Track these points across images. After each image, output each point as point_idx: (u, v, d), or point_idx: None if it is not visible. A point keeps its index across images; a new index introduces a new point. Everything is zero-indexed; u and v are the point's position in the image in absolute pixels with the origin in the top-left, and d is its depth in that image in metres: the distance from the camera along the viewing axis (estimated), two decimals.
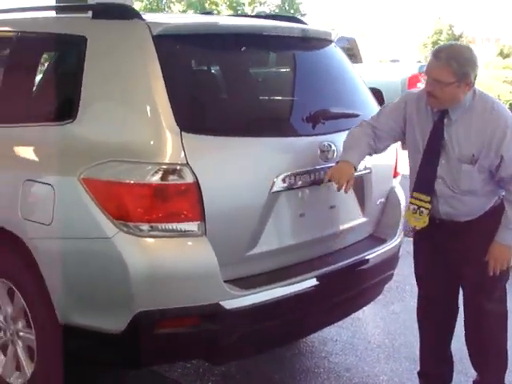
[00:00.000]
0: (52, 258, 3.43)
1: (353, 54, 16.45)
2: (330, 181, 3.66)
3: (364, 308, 5.33)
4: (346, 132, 3.93)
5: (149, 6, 45.83)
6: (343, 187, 3.63)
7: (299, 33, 4.06)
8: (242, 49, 3.87)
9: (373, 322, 5.30)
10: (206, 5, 46.75)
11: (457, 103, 3.51)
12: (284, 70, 4.57)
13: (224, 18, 4.72)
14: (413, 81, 13.20)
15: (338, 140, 3.83)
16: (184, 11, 44.37)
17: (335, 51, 4.37)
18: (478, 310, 3.79)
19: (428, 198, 3.63)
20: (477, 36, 47.59)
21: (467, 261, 3.72)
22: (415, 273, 4.04)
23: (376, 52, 37.78)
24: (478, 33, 48.24)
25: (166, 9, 46.06)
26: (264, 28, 4.00)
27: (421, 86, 13.17)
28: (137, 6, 44.90)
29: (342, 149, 3.75)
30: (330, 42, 4.34)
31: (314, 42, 4.25)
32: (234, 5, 48.11)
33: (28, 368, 3.71)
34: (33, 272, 3.47)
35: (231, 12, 45.06)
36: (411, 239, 4.06)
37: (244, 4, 48.97)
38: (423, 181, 3.67)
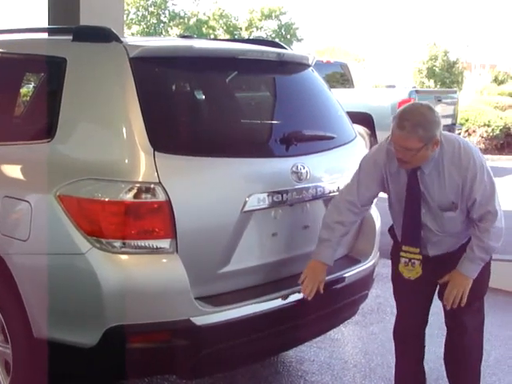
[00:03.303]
0: (28, 273, 3.51)
1: (346, 79, 16.65)
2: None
3: (343, 329, 5.42)
4: (320, 154, 4.05)
5: (146, 29, 46.17)
6: (309, 295, 3.73)
7: (275, 56, 4.14)
8: (217, 72, 3.99)
9: (351, 343, 5.34)
10: (204, 29, 47.12)
11: (428, 158, 3.56)
12: (259, 92, 4.66)
13: (200, 42, 4.81)
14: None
15: (311, 161, 3.93)
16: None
17: (312, 75, 4.47)
18: (458, 324, 3.86)
19: (417, 250, 3.69)
20: (472, 62, 47.79)
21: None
22: (395, 291, 4.07)
23: (374, 77, 37.88)
24: (474, 59, 48.42)
25: (164, 33, 46.37)
26: (239, 51, 4.08)
27: None
28: (134, 29, 45.20)
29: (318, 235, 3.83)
30: (308, 66, 4.43)
31: (290, 65, 4.34)
32: (231, 29, 48.47)
33: (4, 382, 3.76)
34: (10, 287, 3.53)
35: (228, 36, 45.38)
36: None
37: (241, 29, 49.32)
38: (409, 233, 3.74)
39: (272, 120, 4.27)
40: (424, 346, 4.06)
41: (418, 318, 3.98)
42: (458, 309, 3.75)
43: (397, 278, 3.93)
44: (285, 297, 3.74)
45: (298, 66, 4.40)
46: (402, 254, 3.74)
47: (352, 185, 3.83)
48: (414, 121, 3.43)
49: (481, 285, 3.81)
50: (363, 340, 5.40)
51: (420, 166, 3.59)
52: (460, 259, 3.72)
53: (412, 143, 3.43)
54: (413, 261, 3.71)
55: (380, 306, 6.03)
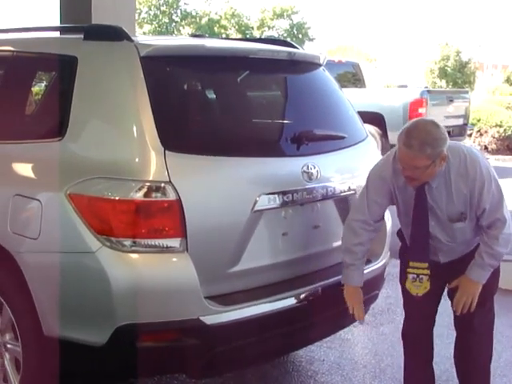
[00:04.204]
0: (38, 271, 3.51)
1: (357, 79, 16.62)
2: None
3: (353, 329, 5.40)
4: (331, 153, 4.06)
5: (158, 28, 46.22)
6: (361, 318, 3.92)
7: (286, 56, 4.13)
8: (228, 71, 3.99)
9: (361, 343, 5.33)
10: (215, 28, 47.14)
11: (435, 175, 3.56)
12: (270, 91, 4.65)
13: (212, 41, 4.81)
14: (414, 106, 13.30)
15: (322, 161, 3.92)
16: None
17: (323, 74, 4.46)
18: (468, 325, 3.85)
19: (425, 265, 3.67)
20: (484, 62, 47.65)
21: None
22: (403, 293, 4.00)
23: (385, 77, 37.82)
24: (486, 59, 48.25)
25: (175, 32, 46.42)
26: (250, 51, 4.09)
27: (422, 111, 13.25)
28: (146, 28, 45.26)
29: (345, 260, 3.86)
30: (319, 65, 4.43)
31: (301, 65, 4.33)
32: (243, 29, 48.46)
33: (14, 380, 3.76)
34: (20, 285, 3.54)
35: (240, 36, 45.36)
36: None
37: (253, 28, 49.31)
38: (418, 249, 3.72)
39: (283, 119, 4.27)
40: (432, 347, 4.05)
41: (426, 319, 3.96)
42: (468, 310, 3.75)
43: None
44: (295, 296, 3.73)
45: (309, 65, 4.39)
46: (409, 270, 3.72)
47: (362, 203, 3.82)
48: (421, 139, 3.41)
49: (491, 285, 3.80)
50: (373, 340, 5.38)
51: (428, 181, 3.58)
52: (469, 263, 3.71)
53: (420, 161, 3.42)
54: (421, 276, 3.68)
55: (390, 306, 6.01)
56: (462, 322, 3.90)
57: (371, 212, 3.78)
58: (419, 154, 3.40)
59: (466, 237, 3.73)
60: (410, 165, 3.46)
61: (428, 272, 3.66)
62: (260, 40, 5.03)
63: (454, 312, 3.85)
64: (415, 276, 3.70)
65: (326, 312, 3.95)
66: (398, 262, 4.00)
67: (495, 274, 3.81)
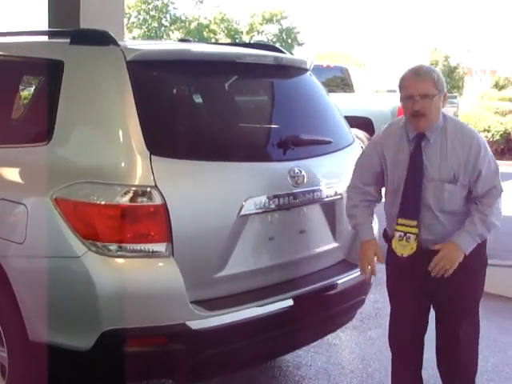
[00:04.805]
0: (24, 276, 3.51)
1: (346, 84, 16.64)
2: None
3: (340, 334, 5.40)
4: (317, 158, 4.07)
5: (147, 33, 46.23)
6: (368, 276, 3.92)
7: (273, 61, 4.13)
8: (215, 75, 3.98)
9: (348, 348, 5.33)
10: (205, 33, 47.20)
11: (435, 124, 3.61)
12: (257, 96, 4.66)
13: (198, 45, 4.81)
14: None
15: (309, 166, 3.93)
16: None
17: (310, 79, 4.46)
18: (453, 334, 3.81)
19: (414, 223, 3.64)
20: (473, 67, 47.80)
21: (444, 291, 3.73)
22: (390, 299, 4.03)
23: (375, 82, 37.90)
24: (475, 64, 48.42)
25: (165, 36, 46.44)
26: (237, 55, 4.08)
27: None
28: (135, 33, 45.28)
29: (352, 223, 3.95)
30: (306, 70, 4.43)
31: (288, 69, 4.33)
32: (232, 33, 48.53)
33: None
34: (6, 289, 3.52)
35: (229, 40, 45.44)
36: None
37: (242, 33, 49.40)
38: (408, 205, 3.70)
39: (269, 124, 4.28)
40: (422, 352, 4.01)
41: (414, 325, 3.91)
42: (454, 318, 3.75)
43: (392, 285, 3.94)
44: (281, 301, 3.72)
45: (296, 70, 4.40)
46: (397, 227, 3.70)
47: (353, 170, 3.96)
48: (428, 68, 3.71)
49: (476, 290, 3.81)
50: (361, 345, 5.38)
51: (425, 135, 3.62)
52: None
53: (429, 87, 3.57)
54: (408, 235, 3.66)
55: (378, 311, 6.01)
56: (447, 329, 3.84)
57: (361, 174, 3.89)
58: (426, 78, 3.59)
59: (454, 206, 3.67)
60: (418, 92, 3.55)
61: (416, 231, 3.63)
62: (247, 45, 5.03)
63: (438, 318, 3.85)
64: (402, 234, 3.68)
65: (314, 316, 3.95)
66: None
67: (481, 278, 3.82)
